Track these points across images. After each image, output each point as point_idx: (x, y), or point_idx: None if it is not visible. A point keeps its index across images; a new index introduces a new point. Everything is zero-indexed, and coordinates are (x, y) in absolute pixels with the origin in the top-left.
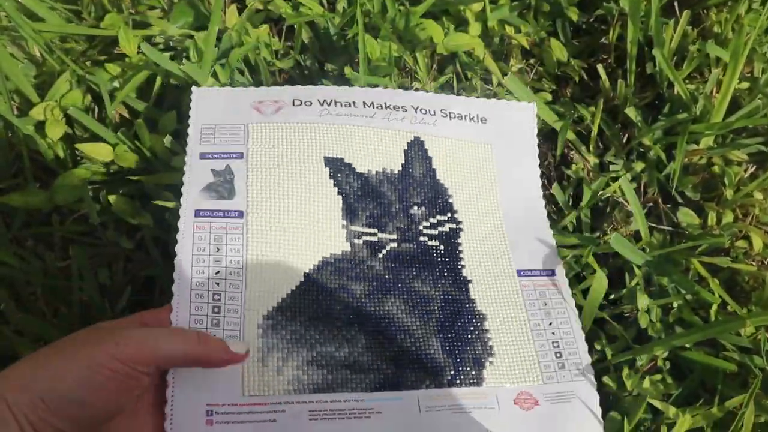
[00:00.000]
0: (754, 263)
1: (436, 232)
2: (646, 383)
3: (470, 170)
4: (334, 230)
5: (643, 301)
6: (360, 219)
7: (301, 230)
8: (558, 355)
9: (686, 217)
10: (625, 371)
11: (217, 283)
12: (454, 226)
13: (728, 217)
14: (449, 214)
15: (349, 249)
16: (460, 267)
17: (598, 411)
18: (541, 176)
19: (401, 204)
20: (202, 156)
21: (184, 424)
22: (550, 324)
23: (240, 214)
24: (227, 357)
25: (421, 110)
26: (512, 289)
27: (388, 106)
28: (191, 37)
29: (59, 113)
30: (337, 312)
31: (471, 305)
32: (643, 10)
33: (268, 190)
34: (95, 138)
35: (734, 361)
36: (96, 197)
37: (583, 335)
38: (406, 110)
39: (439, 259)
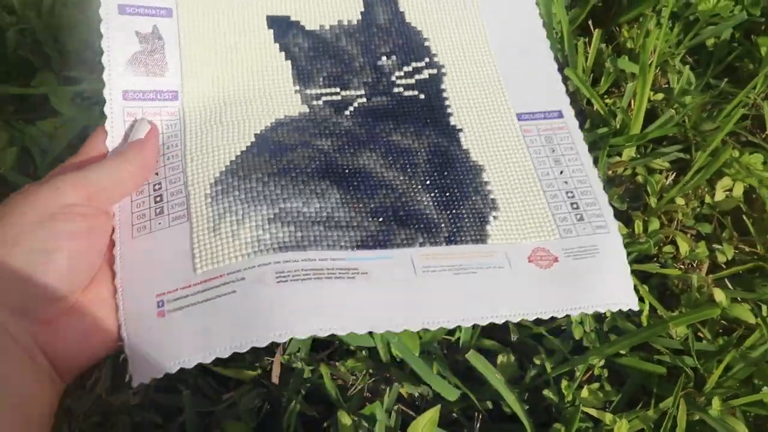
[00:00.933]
0: (683, 267)
1: (413, 81)
2: (585, 392)
3: (447, 4)
4: (284, 93)
5: None
6: (316, 81)
7: (246, 103)
8: (574, 206)
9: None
10: (564, 383)
11: (156, 173)
12: (434, 71)
13: (654, 225)
14: (427, 60)
15: (307, 110)
16: (447, 115)
17: (627, 267)
18: None
19: (366, 57)
20: (122, 10)
21: (136, 323)
22: (561, 173)
23: (174, 95)
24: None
25: None
26: (512, 136)
27: None
28: None
29: None
30: (301, 167)
31: (464, 156)
32: (558, 31)
33: (202, 61)
34: None
35: (666, 363)
36: None
37: (601, 184)
38: None
39: (420, 110)
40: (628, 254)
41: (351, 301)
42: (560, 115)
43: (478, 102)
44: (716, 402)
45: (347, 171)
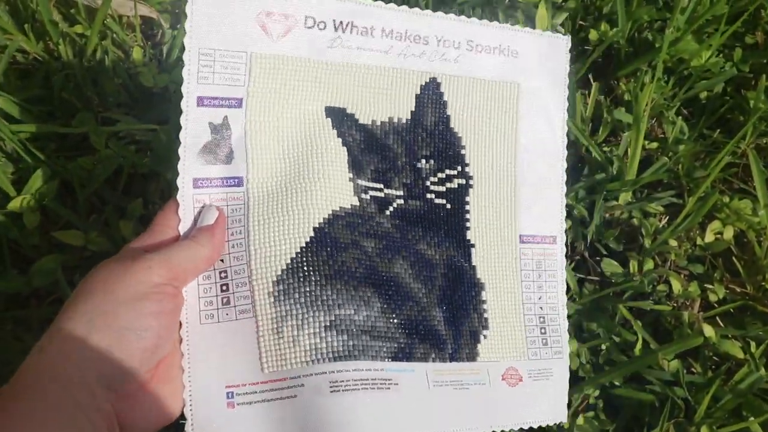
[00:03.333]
0: (676, 304)
1: (444, 189)
2: (580, 420)
3: (490, 115)
4: (341, 183)
5: (572, 345)
6: (365, 173)
7: (307, 186)
8: (543, 331)
9: (610, 266)
10: None
11: (222, 261)
12: (463, 181)
13: (649, 264)
14: (459, 168)
15: (357, 203)
16: (465, 229)
17: (567, 389)
18: None
19: (407, 157)
20: (200, 102)
21: (204, 408)
22: (540, 298)
23: (239, 181)
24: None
25: (444, 42)
26: (511, 258)
27: (408, 37)
28: (154, 130)
29: (35, 204)
30: (352, 270)
31: (472, 272)
32: None
33: (268, 148)
34: (69, 225)
35: (657, 393)
36: (70, 280)
37: (566, 312)
38: (427, 43)
39: (444, 219)
40: (623, 292)
41: (386, 411)
42: (554, 240)
43: (492, 219)
44: (705, 430)
45: (384, 278)
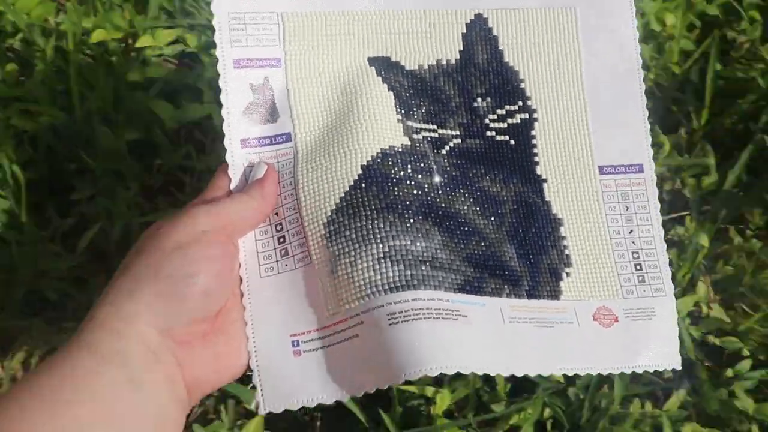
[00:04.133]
0: None
1: (506, 125)
2: None
3: (548, 45)
4: (390, 124)
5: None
6: (416, 115)
7: (353, 128)
8: (638, 267)
9: None
10: None
11: (277, 214)
12: (526, 116)
13: None
14: (520, 103)
15: (408, 143)
16: (534, 164)
17: (676, 331)
18: None
19: (462, 98)
20: (237, 64)
21: (270, 358)
22: (631, 232)
23: (287, 137)
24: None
25: None
26: (592, 190)
27: None
28: None
29: None
30: (406, 204)
31: (546, 208)
32: None
33: (312, 102)
34: None
35: None
36: None
37: (665, 246)
38: None
39: (509, 156)
40: None
41: (456, 342)
42: (641, 169)
43: (565, 151)
44: None
45: (444, 212)
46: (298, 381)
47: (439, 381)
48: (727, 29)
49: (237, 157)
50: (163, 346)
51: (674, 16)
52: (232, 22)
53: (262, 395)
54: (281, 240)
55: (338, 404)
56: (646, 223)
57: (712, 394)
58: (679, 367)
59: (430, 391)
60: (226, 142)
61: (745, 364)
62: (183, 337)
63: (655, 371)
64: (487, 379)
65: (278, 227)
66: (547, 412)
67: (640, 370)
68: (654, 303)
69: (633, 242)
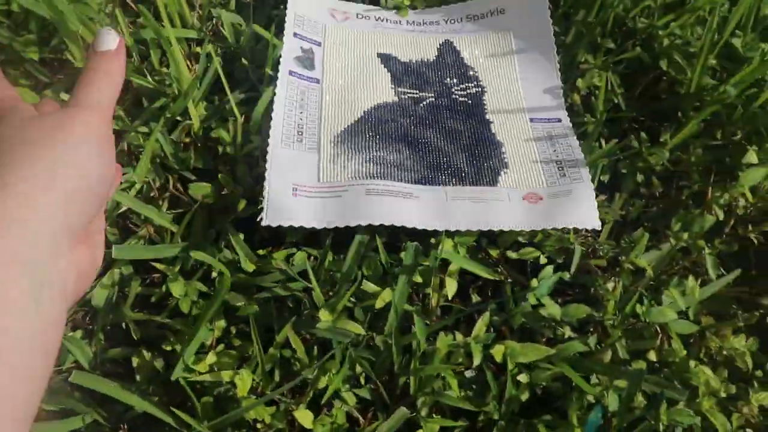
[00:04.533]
0: None
1: (465, 93)
2: None
3: (492, 53)
4: (384, 89)
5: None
6: (404, 84)
7: (360, 89)
8: (560, 168)
9: None
10: None
11: (301, 119)
12: (479, 89)
13: None
14: (475, 82)
15: (397, 99)
16: (484, 112)
17: (593, 199)
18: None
19: (436, 77)
20: (295, 35)
21: (277, 193)
22: (554, 150)
23: (317, 81)
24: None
25: (450, 21)
26: (525, 129)
27: (424, 23)
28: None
29: None
30: (388, 134)
31: (491, 136)
32: None
33: (336, 69)
34: None
35: None
36: None
37: (583, 156)
38: (438, 23)
39: (467, 108)
40: None
41: (407, 209)
42: (560, 120)
43: (505, 109)
44: None
45: (416, 138)
46: (291, 211)
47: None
48: None
49: (284, 77)
50: (66, 244)
51: None
52: (296, 18)
53: (266, 215)
54: (300, 131)
55: (145, 414)
56: (567, 149)
57: (516, 309)
58: (599, 228)
59: (227, 375)
60: (281, 69)
61: (548, 270)
62: (78, 235)
63: None
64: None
65: (299, 126)
66: (358, 368)
67: (559, 227)
68: (572, 187)
69: (557, 155)
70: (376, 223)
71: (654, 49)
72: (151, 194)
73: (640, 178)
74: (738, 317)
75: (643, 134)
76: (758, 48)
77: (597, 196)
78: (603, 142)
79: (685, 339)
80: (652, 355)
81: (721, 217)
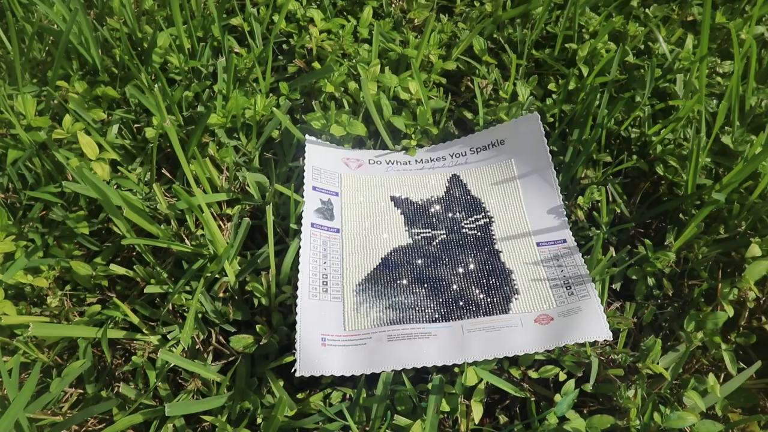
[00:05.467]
0: None
1: (474, 225)
2: None
3: (497, 182)
4: (399, 232)
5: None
6: (417, 225)
7: (377, 237)
8: (568, 286)
9: None
10: None
11: (325, 269)
12: (486, 220)
13: None
14: (482, 214)
15: (411, 242)
16: (493, 243)
17: (601, 313)
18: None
19: (446, 213)
20: (314, 188)
21: (307, 344)
22: (561, 270)
23: (337, 230)
24: None
25: (455, 155)
26: (532, 253)
27: (432, 159)
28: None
29: None
30: (405, 277)
31: (501, 265)
32: None
33: (353, 217)
34: None
35: None
36: None
37: (590, 275)
38: (445, 159)
39: (477, 240)
40: None
41: (427, 349)
42: (565, 241)
43: (513, 235)
44: None
45: (430, 277)
46: (321, 361)
47: None
48: (471, 77)
49: (307, 230)
50: None
51: (415, 83)
52: (314, 170)
53: (299, 366)
54: (324, 282)
55: None
56: (572, 265)
57: (541, 428)
58: (610, 338)
59: None
60: (303, 222)
61: (569, 385)
62: None
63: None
64: None
65: (324, 276)
66: None
67: (571, 342)
68: (580, 304)
69: (564, 275)
70: (398, 368)
71: (650, 155)
72: (197, 347)
73: (651, 281)
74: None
75: (647, 240)
76: (748, 141)
77: (611, 304)
78: (613, 251)
79: None
80: None
81: (731, 313)
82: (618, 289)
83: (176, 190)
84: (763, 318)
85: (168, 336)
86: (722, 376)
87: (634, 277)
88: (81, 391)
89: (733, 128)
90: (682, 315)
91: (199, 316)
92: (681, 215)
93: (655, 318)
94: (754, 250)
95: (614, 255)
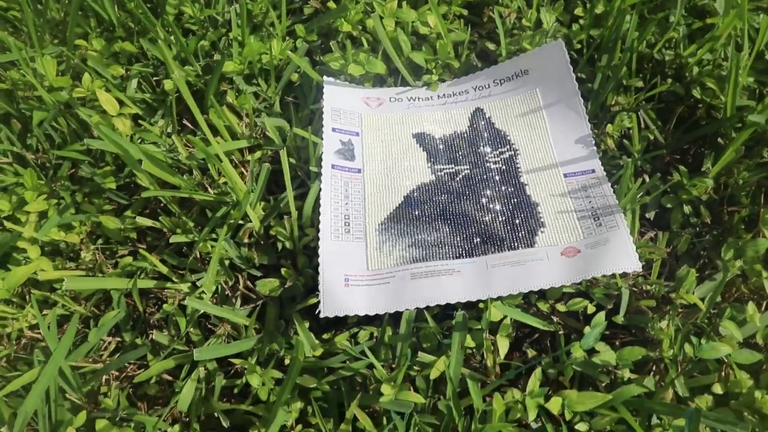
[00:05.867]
0: None
1: (499, 159)
2: None
3: (522, 113)
4: (422, 170)
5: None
6: (440, 161)
7: (399, 175)
8: (596, 218)
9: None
10: None
11: (347, 210)
12: (512, 152)
13: None
14: (508, 146)
15: (434, 178)
16: (518, 176)
17: (630, 243)
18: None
19: (471, 148)
20: (334, 129)
21: (331, 285)
22: (590, 201)
23: (359, 170)
24: None
25: (478, 88)
26: (560, 185)
27: (455, 94)
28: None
29: None
30: (427, 214)
31: (527, 199)
32: None
33: (375, 156)
34: None
35: None
36: None
37: (618, 202)
38: (468, 92)
39: (502, 174)
40: None
41: (451, 286)
42: (593, 171)
43: (539, 167)
44: None
45: (454, 214)
46: (345, 301)
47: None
48: (495, 6)
49: (327, 172)
50: None
51: (434, 16)
52: (333, 112)
53: (323, 307)
54: (346, 223)
55: None
56: (600, 195)
57: (569, 361)
58: (639, 270)
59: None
60: (323, 164)
61: (599, 318)
62: None
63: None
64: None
65: (346, 217)
66: None
67: (599, 275)
68: (608, 235)
69: (592, 206)
70: (422, 306)
71: (686, 78)
72: (226, 293)
73: (687, 209)
74: None
75: (682, 167)
76: None
77: (644, 234)
78: (647, 179)
79: (753, 368)
80: (717, 388)
81: None
82: (652, 219)
83: (192, 140)
84: None
85: (197, 283)
86: (764, 305)
87: (669, 206)
88: (119, 339)
89: None
90: (720, 243)
91: (226, 262)
92: (720, 140)
93: (693, 246)
94: None
95: (644, 184)
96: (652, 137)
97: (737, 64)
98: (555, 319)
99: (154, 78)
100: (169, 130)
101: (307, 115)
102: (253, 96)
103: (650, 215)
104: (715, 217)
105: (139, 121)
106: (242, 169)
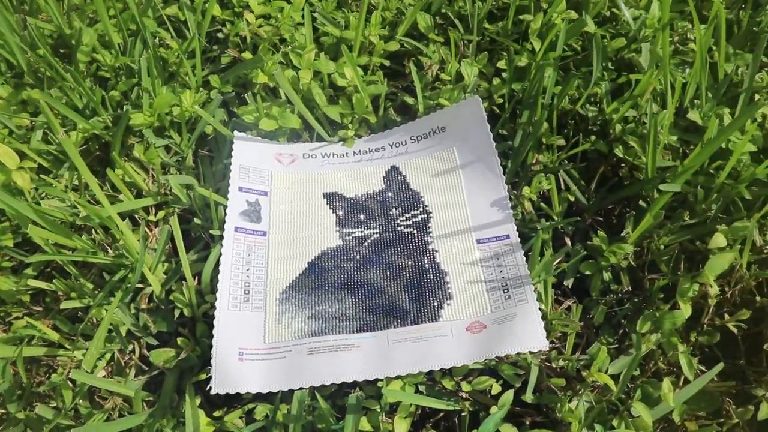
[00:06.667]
0: None
1: (410, 222)
2: None
3: (438, 172)
4: (329, 233)
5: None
6: (349, 224)
7: (305, 239)
8: (505, 289)
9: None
10: None
11: (248, 277)
12: (425, 215)
13: None
14: (421, 208)
15: (341, 243)
16: (428, 242)
17: (538, 320)
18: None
19: (382, 210)
20: (240, 189)
21: (224, 359)
22: (501, 271)
23: (264, 233)
24: None
25: (395, 144)
26: (471, 253)
27: (371, 150)
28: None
29: None
30: (331, 283)
31: (436, 266)
32: None
33: (282, 219)
34: None
35: None
36: None
37: (530, 275)
38: (384, 149)
39: (411, 240)
40: None
41: (349, 362)
42: (508, 236)
43: (451, 233)
44: None
45: (359, 284)
46: (238, 377)
47: None
48: (417, 56)
49: (230, 236)
50: None
51: (350, 68)
52: (242, 169)
53: (214, 383)
54: (246, 291)
55: None
56: (513, 267)
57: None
58: (546, 348)
59: None
60: (226, 226)
61: (506, 397)
62: None
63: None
64: None
65: (246, 284)
66: None
67: (503, 354)
68: (516, 309)
69: (503, 276)
70: (317, 384)
71: (610, 136)
72: (123, 362)
73: (607, 276)
74: (731, 414)
75: (600, 232)
76: (718, 115)
77: (562, 303)
78: (570, 243)
79: None
80: None
81: (689, 313)
82: (571, 286)
83: (78, 202)
84: (726, 315)
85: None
86: (682, 379)
87: (588, 272)
88: (4, 411)
89: (702, 101)
90: (641, 312)
91: (123, 330)
92: (642, 202)
93: (614, 314)
94: (718, 240)
95: (562, 249)
96: (573, 198)
97: (656, 123)
98: (463, 395)
99: (64, 128)
100: (76, 182)
101: (221, 170)
102: (165, 149)
103: (568, 283)
104: (637, 284)
105: (41, 175)
106: (146, 230)
